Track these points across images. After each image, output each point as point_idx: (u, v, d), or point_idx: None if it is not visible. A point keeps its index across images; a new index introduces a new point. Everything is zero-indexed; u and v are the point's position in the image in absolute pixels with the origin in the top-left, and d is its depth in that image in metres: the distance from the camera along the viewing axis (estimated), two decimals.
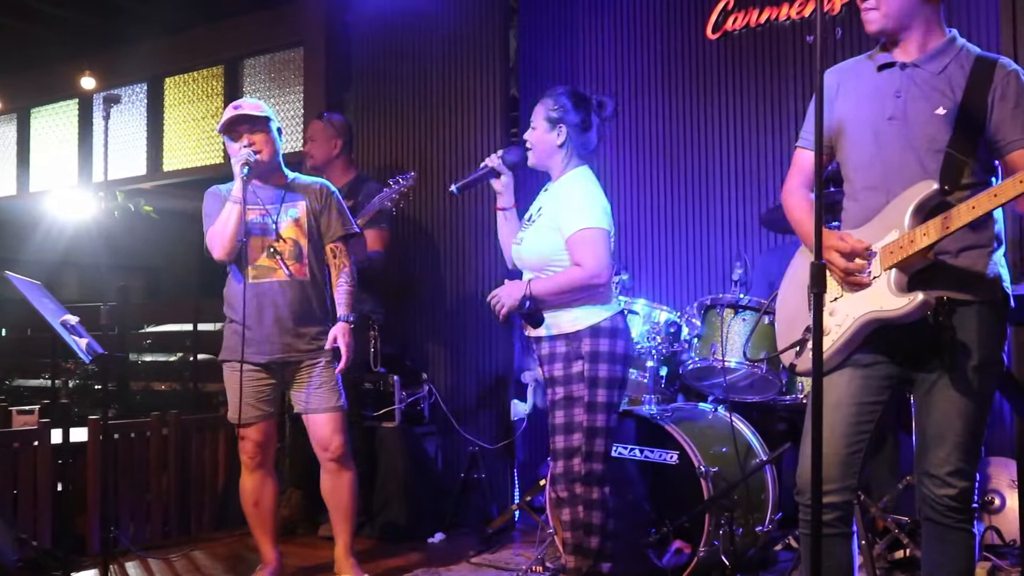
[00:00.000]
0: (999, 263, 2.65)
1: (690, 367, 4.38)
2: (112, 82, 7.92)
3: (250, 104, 4.14)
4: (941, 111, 2.60)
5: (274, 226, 4.08)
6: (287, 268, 4.08)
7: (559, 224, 3.54)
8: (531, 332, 3.63)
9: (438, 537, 5.18)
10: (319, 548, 4.92)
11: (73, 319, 4.17)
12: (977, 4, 4.80)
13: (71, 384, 6.82)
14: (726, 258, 5.38)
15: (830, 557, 2.65)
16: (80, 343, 4.09)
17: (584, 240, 3.49)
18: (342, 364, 4.07)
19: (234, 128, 4.05)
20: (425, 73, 6.07)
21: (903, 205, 2.56)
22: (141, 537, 5.07)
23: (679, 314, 4.52)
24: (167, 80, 7.86)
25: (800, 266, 2.87)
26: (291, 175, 4.23)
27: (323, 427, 4.14)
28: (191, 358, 6.63)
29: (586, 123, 3.65)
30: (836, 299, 2.68)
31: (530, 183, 3.78)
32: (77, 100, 8.48)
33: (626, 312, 3.77)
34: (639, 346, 4.28)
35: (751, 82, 5.41)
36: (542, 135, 3.66)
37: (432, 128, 6.02)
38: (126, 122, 8.02)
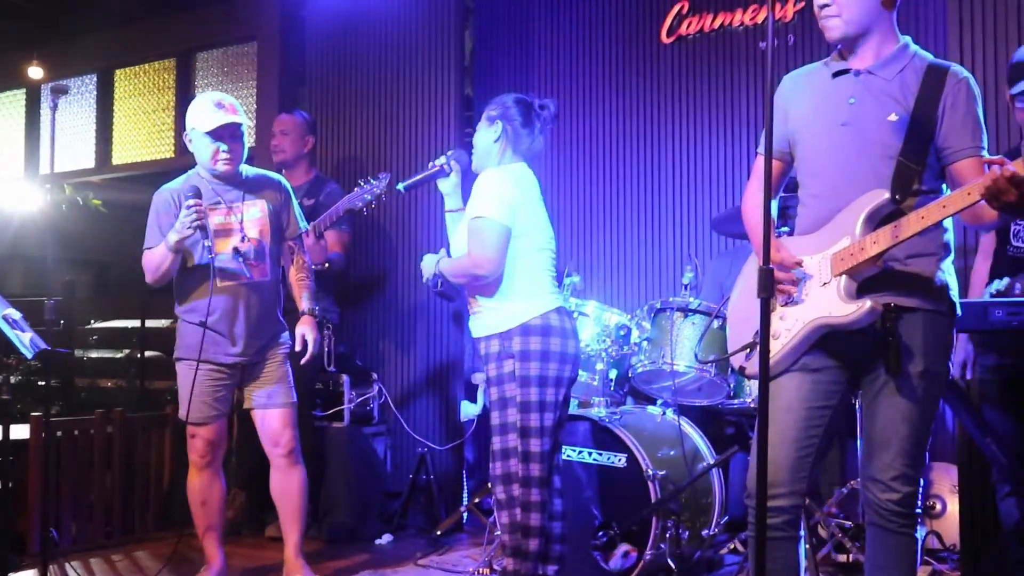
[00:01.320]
0: (947, 271, 2.67)
1: (639, 370, 4.39)
2: (61, 72, 7.81)
3: (231, 105, 4.06)
4: (893, 118, 2.63)
5: (239, 226, 4.04)
6: (249, 271, 4.04)
7: (468, 213, 3.59)
8: (473, 331, 3.67)
9: (386, 539, 5.16)
10: (266, 549, 4.90)
11: (16, 314, 4.10)
12: (926, 14, 4.87)
13: (13, 380, 6.70)
14: (677, 261, 5.42)
15: (778, 561, 2.67)
16: (23, 338, 4.01)
17: (472, 229, 3.52)
18: (307, 357, 4.07)
19: (220, 133, 3.98)
20: (380, 71, 6.04)
21: (855, 212, 2.59)
22: (84, 536, 5.01)
23: (629, 317, 4.54)
24: (117, 72, 7.76)
25: (752, 271, 2.89)
26: (246, 170, 4.19)
27: (274, 422, 4.11)
28: (138, 355, 6.55)
29: (524, 122, 3.66)
30: (787, 304, 2.70)
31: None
32: (24, 90, 8.34)
33: (572, 312, 3.77)
34: (589, 349, 4.29)
35: (704, 86, 5.45)
36: (481, 134, 3.70)
37: (387, 126, 6.00)
38: (75, 113, 7.91)
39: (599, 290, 5.58)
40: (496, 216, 3.49)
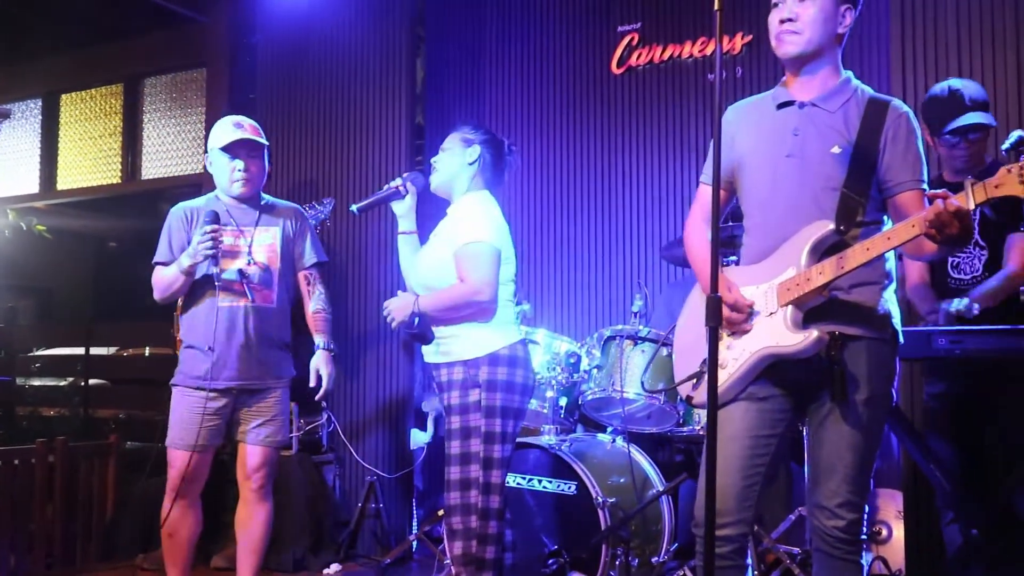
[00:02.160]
0: (889, 300, 2.70)
1: (589, 398, 4.41)
2: (5, 97, 7.76)
3: (251, 126, 4.05)
4: (836, 150, 2.65)
5: (247, 249, 4.01)
6: (253, 294, 4.00)
7: (453, 238, 3.51)
8: (428, 357, 3.61)
9: (334, 568, 5.11)
10: None
11: None
12: (869, 50, 4.97)
13: None
14: (627, 290, 5.45)
15: None
16: None
17: (469, 254, 3.45)
18: (320, 393, 4.06)
19: (234, 148, 3.97)
20: (332, 97, 6.04)
21: (800, 243, 2.61)
22: (23, 569, 4.93)
23: (579, 345, 4.56)
24: (63, 96, 7.70)
25: (698, 300, 2.90)
26: (266, 198, 4.16)
27: (255, 458, 4.04)
28: (82, 383, 6.47)
29: (496, 151, 3.66)
30: (733, 333, 2.73)
31: (433, 211, 3.77)
32: None
33: (527, 342, 3.75)
34: (539, 376, 4.29)
35: (654, 117, 5.50)
36: (454, 155, 3.63)
37: (338, 153, 5.99)
38: (19, 138, 7.84)
39: (549, 318, 5.60)
40: (492, 240, 3.45)
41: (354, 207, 3.82)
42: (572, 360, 4.47)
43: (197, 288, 3.98)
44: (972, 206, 2.30)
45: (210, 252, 3.76)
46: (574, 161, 5.73)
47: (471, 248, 3.44)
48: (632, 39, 5.57)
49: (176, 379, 4.00)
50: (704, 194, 2.96)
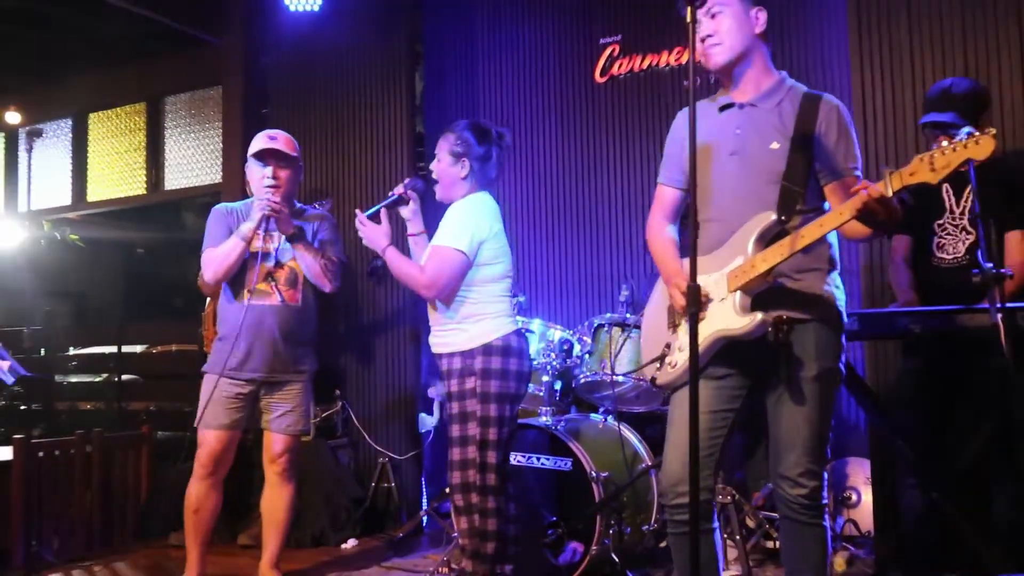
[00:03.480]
0: (834, 283, 2.71)
1: (582, 381, 4.41)
2: (38, 117, 7.76)
3: (285, 139, 4.07)
4: (775, 146, 2.67)
5: (274, 253, 4.03)
6: (280, 294, 4.02)
7: (435, 237, 3.55)
8: (434, 348, 3.63)
9: (351, 543, 5.13)
10: (237, 556, 4.84)
11: None
12: (830, 61, 4.98)
13: None
14: (614, 281, 5.46)
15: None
16: (2, 365, 3.97)
17: (434, 254, 3.48)
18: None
19: (265, 157, 4.00)
20: (338, 111, 6.04)
21: (746, 234, 2.62)
22: (65, 549, 4.94)
23: (572, 332, 4.56)
24: (91, 115, 7.70)
25: (660, 291, 2.91)
26: (299, 206, 4.18)
27: (278, 445, 4.09)
28: (116, 378, 6.48)
29: (488, 155, 3.63)
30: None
31: (441, 211, 3.77)
32: (3, 134, 8.28)
33: (523, 332, 3.76)
34: (535, 362, 4.30)
35: (635, 121, 5.52)
36: (447, 168, 3.63)
37: (344, 162, 6.00)
38: (51, 155, 7.83)
39: (543, 308, 5.62)
40: (459, 246, 3.45)
41: (364, 213, 3.81)
42: (565, 347, 4.48)
43: (231, 286, 4.02)
44: (890, 193, 2.32)
45: (272, 205, 3.86)
46: (563, 163, 5.74)
47: (438, 250, 3.47)
48: (613, 50, 5.58)
49: (207, 367, 4.05)
50: (662, 194, 2.97)
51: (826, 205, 2.72)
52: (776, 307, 2.61)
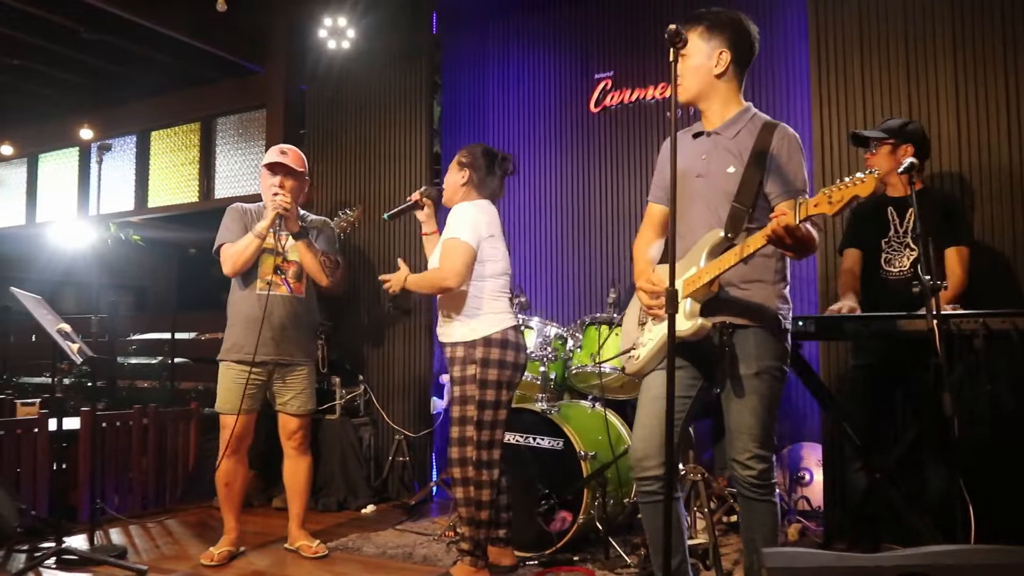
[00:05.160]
0: (779, 294, 2.68)
1: (574, 371, 4.42)
2: (108, 134, 7.81)
3: (294, 155, 4.07)
4: (731, 170, 2.65)
5: (282, 249, 4.03)
6: (289, 285, 4.04)
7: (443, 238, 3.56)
8: (441, 338, 3.63)
9: (370, 509, 5.15)
10: (272, 517, 4.88)
11: (67, 327, 4.07)
12: (791, 95, 4.98)
13: (66, 382, 6.62)
14: (603, 285, 5.46)
15: (660, 519, 2.68)
16: (72, 347, 3.98)
17: (446, 248, 3.48)
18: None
19: (275, 168, 4.01)
20: (365, 132, 6.05)
21: (700, 248, 2.61)
22: (124, 508, 4.99)
23: (566, 329, 4.57)
24: (153, 133, 7.72)
25: (635, 296, 2.90)
26: (302, 213, 4.18)
27: (291, 424, 4.11)
28: (169, 361, 6.49)
29: (489, 170, 3.64)
30: (654, 319, 2.74)
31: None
32: (78, 148, 8.33)
33: (522, 327, 3.77)
34: (532, 354, 4.30)
35: (624, 146, 5.52)
36: (451, 175, 3.68)
37: (370, 176, 6.01)
38: (118, 167, 7.85)
39: (542, 307, 5.62)
40: (467, 239, 3.45)
41: (385, 215, 3.91)
42: (560, 341, 4.48)
43: (243, 279, 4.02)
44: (796, 221, 2.30)
45: (283, 206, 3.87)
46: (561, 182, 5.74)
47: (449, 243, 3.47)
48: (606, 84, 5.58)
49: (222, 355, 4.04)
50: (649, 211, 2.95)
51: None
52: (722, 313, 2.61)
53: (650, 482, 2.68)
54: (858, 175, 2.24)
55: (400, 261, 3.70)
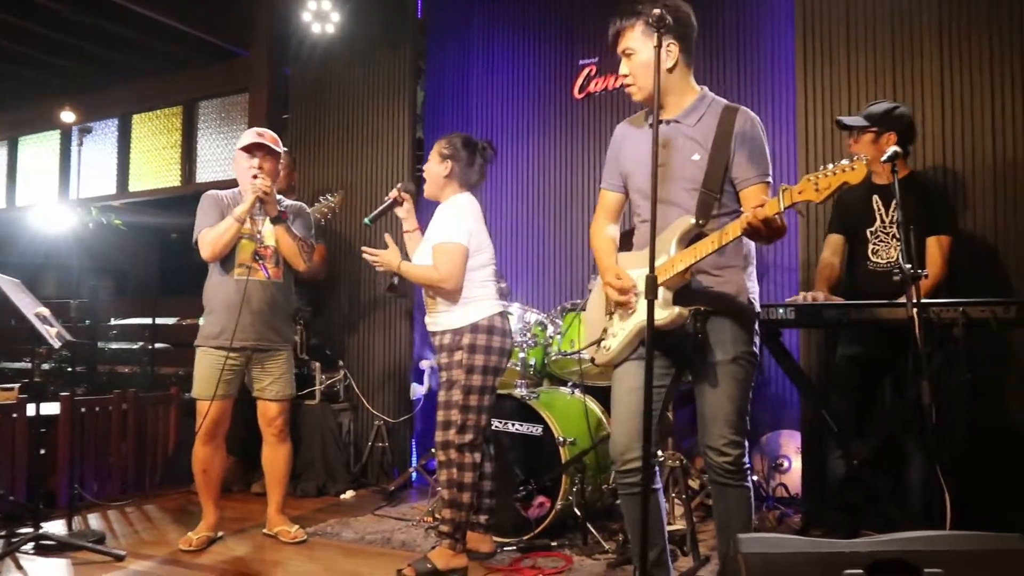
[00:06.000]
0: (748, 278, 2.66)
1: (553, 358, 4.40)
2: (89, 117, 7.71)
3: (270, 136, 4.02)
4: (696, 157, 2.61)
5: (260, 234, 3.98)
6: (267, 270, 3.99)
7: (432, 236, 3.55)
8: (428, 326, 3.61)
9: (349, 494, 5.12)
10: (251, 503, 4.85)
11: (46, 311, 4.02)
12: (776, 80, 4.96)
13: (46, 366, 6.56)
14: (584, 271, 5.45)
15: (639, 509, 2.67)
16: (51, 331, 3.93)
17: (441, 251, 3.47)
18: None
19: (252, 150, 3.95)
20: (348, 117, 6.00)
21: (670, 236, 2.57)
22: (103, 492, 4.95)
23: (546, 315, 4.55)
24: (134, 116, 7.67)
25: (598, 288, 2.86)
26: (279, 197, 4.11)
27: (271, 410, 4.07)
28: (150, 346, 6.44)
29: (471, 161, 3.62)
30: (624, 310, 2.70)
31: (430, 209, 3.75)
32: (59, 131, 8.26)
33: (506, 313, 3.74)
34: (512, 341, 4.27)
35: (608, 133, 5.36)
36: (433, 168, 3.65)
37: (353, 162, 5.96)
38: (100, 150, 7.79)
39: (523, 294, 5.60)
40: (459, 239, 3.46)
41: (366, 219, 3.84)
42: (540, 327, 4.46)
43: (222, 264, 3.97)
44: (782, 208, 2.28)
45: (264, 192, 3.81)
46: (544, 168, 5.72)
47: (444, 246, 3.47)
48: (591, 70, 5.55)
49: (199, 341, 3.99)
50: (604, 198, 2.90)
51: (741, 209, 2.67)
52: (697, 301, 2.59)
53: (632, 474, 2.66)
54: (845, 161, 2.21)
55: (387, 238, 3.66)
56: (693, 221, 2.56)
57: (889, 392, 3.89)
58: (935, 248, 3.58)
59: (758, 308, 2.70)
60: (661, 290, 2.53)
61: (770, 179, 2.63)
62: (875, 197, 3.70)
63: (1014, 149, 3.94)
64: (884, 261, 3.65)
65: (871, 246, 3.70)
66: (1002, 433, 3.82)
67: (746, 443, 2.67)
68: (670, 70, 2.64)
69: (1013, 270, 3.90)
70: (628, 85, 2.70)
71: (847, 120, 3.71)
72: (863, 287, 3.65)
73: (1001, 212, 3.95)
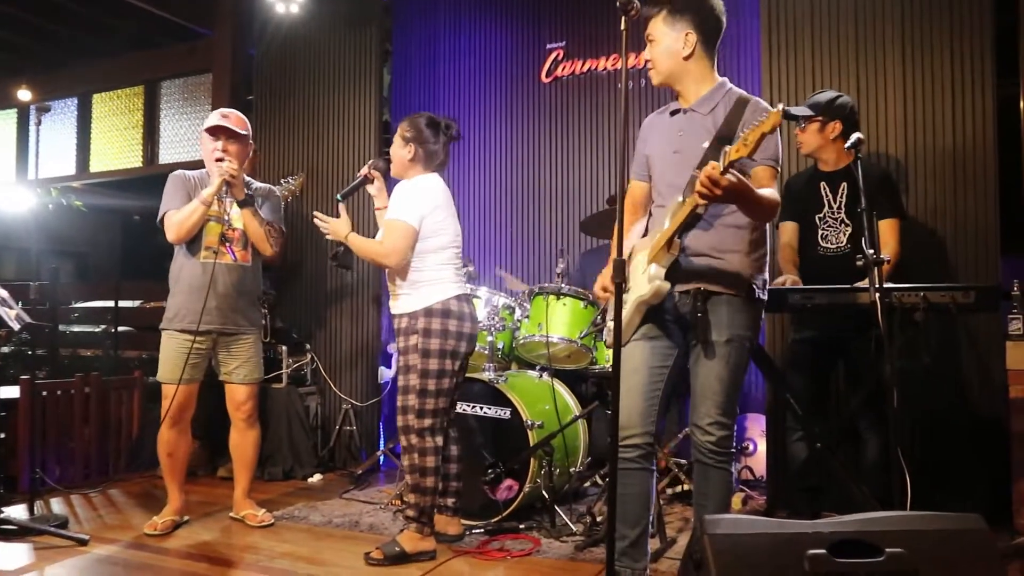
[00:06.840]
0: (752, 263, 2.70)
1: (521, 341, 4.41)
2: (47, 96, 7.58)
3: (236, 118, 3.96)
4: (706, 144, 2.66)
5: (227, 217, 3.94)
6: (234, 253, 3.94)
7: (388, 213, 3.54)
8: (392, 309, 3.60)
9: (316, 478, 5.11)
10: (217, 487, 4.82)
11: (4, 293, 3.95)
12: (742, 72, 5.00)
13: (5, 349, 6.45)
14: (551, 254, 5.47)
15: (635, 486, 2.73)
16: (10, 314, 3.87)
17: (389, 226, 3.47)
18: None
19: (216, 132, 3.89)
20: (314, 99, 5.95)
21: (665, 217, 2.67)
22: (66, 477, 4.89)
23: (514, 299, 4.55)
24: (95, 96, 7.52)
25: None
26: (248, 179, 4.07)
27: (240, 394, 4.03)
28: (112, 329, 6.36)
29: (434, 141, 3.60)
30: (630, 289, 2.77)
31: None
32: (16, 110, 8.08)
33: (469, 296, 3.74)
34: (480, 324, 4.28)
35: (575, 117, 5.50)
36: (397, 150, 3.63)
37: (319, 144, 5.91)
38: (59, 130, 7.65)
39: (489, 277, 5.59)
40: (408, 219, 3.43)
41: (338, 196, 3.82)
42: (508, 311, 4.46)
43: (188, 247, 3.92)
44: (723, 167, 2.34)
45: (229, 171, 3.77)
46: (511, 152, 5.72)
47: (391, 223, 3.46)
48: (558, 54, 5.55)
49: (164, 324, 3.95)
50: (630, 191, 2.99)
51: None
52: (697, 280, 2.66)
53: (630, 449, 2.73)
54: (762, 116, 2.31)
55: (341, 207, 3.66)
56: (680, 199, 2.61)
57: (842, 374, 3.97)
58: (888, 231, 3.64)
59: (763, 295, 2.74)
60: (653, 265, 2.64)
61: (778, 167, 2.67)
62: (822, 184, 3.76)
63: (973, 137, 4.02)
64: (834, 246, 3.71)
65: (820, 231, 3.74)
66: (959, 416, 3.91)
67: (733, 427, 2.72)
68: (687, 58, 2.75)
69: (960, 254, 4.01)
70: (651, 68, 2.83)
71: (793, 110, 3.73)
72: (814, 271, 3.70)
73: (960, 201, 4.03)
